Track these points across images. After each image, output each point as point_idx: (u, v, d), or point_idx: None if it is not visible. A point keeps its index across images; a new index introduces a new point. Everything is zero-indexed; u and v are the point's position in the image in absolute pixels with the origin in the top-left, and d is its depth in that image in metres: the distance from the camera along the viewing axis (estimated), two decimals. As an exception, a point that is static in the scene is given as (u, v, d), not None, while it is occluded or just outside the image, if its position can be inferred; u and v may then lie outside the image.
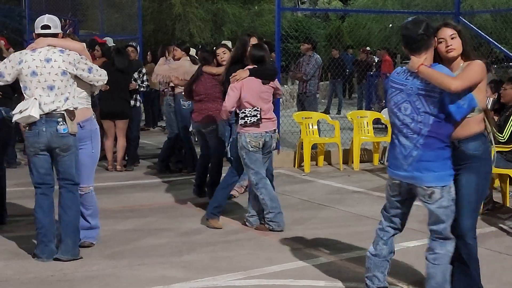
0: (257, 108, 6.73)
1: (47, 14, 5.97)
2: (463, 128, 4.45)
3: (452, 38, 4.45)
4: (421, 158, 4.40)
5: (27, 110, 5.59)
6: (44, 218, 5.82)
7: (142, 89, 10.72)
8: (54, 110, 5.65)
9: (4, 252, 6.08)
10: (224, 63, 7.91)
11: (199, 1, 27.28)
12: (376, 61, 20.77)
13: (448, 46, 4.44)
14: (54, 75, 5.66)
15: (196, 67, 9.93)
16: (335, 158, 11.03)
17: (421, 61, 4.37)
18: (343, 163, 10.78)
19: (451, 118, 4.36)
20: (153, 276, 5.45)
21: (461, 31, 4.48)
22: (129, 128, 10.49)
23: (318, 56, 12.25)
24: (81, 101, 5.94)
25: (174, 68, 10.17)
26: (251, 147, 6.75)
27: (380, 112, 12.00)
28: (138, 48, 11.47)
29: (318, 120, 11.35)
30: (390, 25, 24.70)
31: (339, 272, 5.58)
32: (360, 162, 10.79)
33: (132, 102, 10.58)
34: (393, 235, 4.79)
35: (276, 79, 7.08)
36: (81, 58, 5.81)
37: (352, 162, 10.80)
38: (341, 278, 5.41)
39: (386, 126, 12.25)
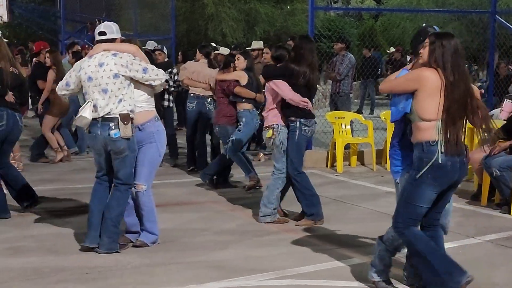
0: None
1: (105, 22, 6.41)
2: (412, 134, 4.71)
3: (423, 47, 4.70)
4: None
5: (81, 111, 5.89)
6: (95, 206, 6.09)
7: (172, 89, 10.77)
8: (108, 113, 5.85)
9: (41, 249, 6.17)
10: (238, 68, 8.79)
11: (231, 1, 27.30)
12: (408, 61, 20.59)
13: (420, 54, 4.72)
14: (107, 78, 5.88)
15: (210, 70, 10.30)
16: (368, 158, 10.97)
17: (409, 66, 4.94)
18: (376, 164, 10.71)
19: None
20: (186, 275, 5.47)
21: (434, 42, 4.62)
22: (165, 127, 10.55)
23: (352, 55, 12.19)
24: (141, 104, 6.09)
25: (183, 68, 10.60)
26: None
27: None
28: (165, 50, 11.62)
29: (351, 120, 11.30)
30: (424, 24, 24.45)
31: (373, 273, 5.55)
32: (394, 162, 10.70)
33: (166, 103, 10.66)
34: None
35: (280, 82, 7.06)
36: (134, 59, 5.97)
37: (386, 163, 10.72)
38: (375, 279, 5.38)
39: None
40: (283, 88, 7.03)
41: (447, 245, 6.20)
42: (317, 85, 7.54)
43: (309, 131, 7.14)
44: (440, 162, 4.58)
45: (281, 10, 28.55)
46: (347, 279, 5.40)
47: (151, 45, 11.74)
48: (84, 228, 6.93)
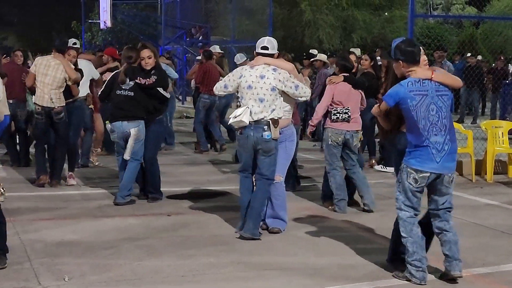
0: (348, 107, 7.97)
1: (267, 37, 7.10)
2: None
3: (423, 54, 5.57)
4: (451, 151, 5.37)
5: (240, 116, 6.62)
6: (246, 197, 6.83)
7: None
8: (262, 119, 6.63)
9: (138, 249, 6.29)
10: None
11: (329, 7, 27.23)
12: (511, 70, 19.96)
13: (424, 60, 5.56)
14: (265, 90, 6.66)
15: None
16: (467, 169, 10.66)
17: (428, 70, 5.41)
18: (475, 174, 10.41)
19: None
20: (280, 281, 5.47)
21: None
22: None
23: (450, 63, 11.94)
24: (284, 113, 6.86)
25: None
26: (330, 141, 7.98)
27: (516, 123, 11.50)
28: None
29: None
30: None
31: (471, 287, 5.41)
32: (494, 173, 10.38)
33: None
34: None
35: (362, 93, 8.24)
36: (290, 76, 6.76)
37: (485, 174, 10.42)
38: (473, 294, 5.24)
39: (523, 137, 11.71)
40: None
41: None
42: None
43: None
44: None
45: (379, 17, 28.26)
46: (444, 293, 5.26)
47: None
48: (178, 230, 7.05)
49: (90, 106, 10.66)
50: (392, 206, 7.69)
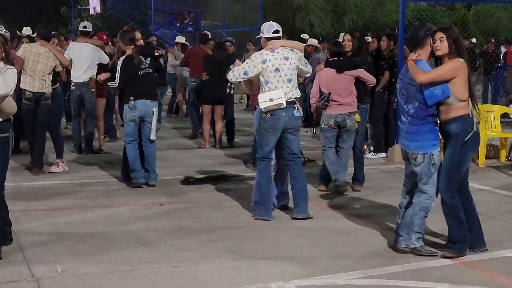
0: (327, 93, 8.10)
1: (273, 22, 7.34)
2: (446, 113, 5.65)
3: (440, 41, 5.61)
4: (407, 131, 5.76)
5: (279, 99, 6.85)
6: (267, 185, 7.03)
7: None
8: (290, 98, 6.93)
9: (131, 240, 6.29)
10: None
11: (319, -10, 27.08)
12: (503, 52, 19.89)
13: (436, 46, 5.63)
14: (292, 70, 7.00)
15: None
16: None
17: (414, 57, 5.65)
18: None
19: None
20: (273, 271, 5.47)
21: (450, 36, 5.61)
22: (226, 111, 11.77)
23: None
24: None
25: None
26: (324, 125, 8.22)
27: (508, 107, 11.51)
28: (233, 41, 12.62)
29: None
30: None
31: (462, 275, 5.42)
32: (486, 158, 10.40)
33: (228, 90, 11.76)
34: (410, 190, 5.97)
35: (362, 70, 8.36)
36: (302, 55, 7.14)
37: (477, 158, 10.43)
38: (464, 282, 5.26)
39: (514, 121, 11.75)
40: (368, 74, 8.47)
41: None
42: None
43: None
44: (476, 129, 5.71)
45: (370, 0, 28.14)
46: (437, 280, 5.28)
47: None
48: (171, 220, 7.04)
49: (92, 90, 10.78)
50: (383, 192, 7.77)
